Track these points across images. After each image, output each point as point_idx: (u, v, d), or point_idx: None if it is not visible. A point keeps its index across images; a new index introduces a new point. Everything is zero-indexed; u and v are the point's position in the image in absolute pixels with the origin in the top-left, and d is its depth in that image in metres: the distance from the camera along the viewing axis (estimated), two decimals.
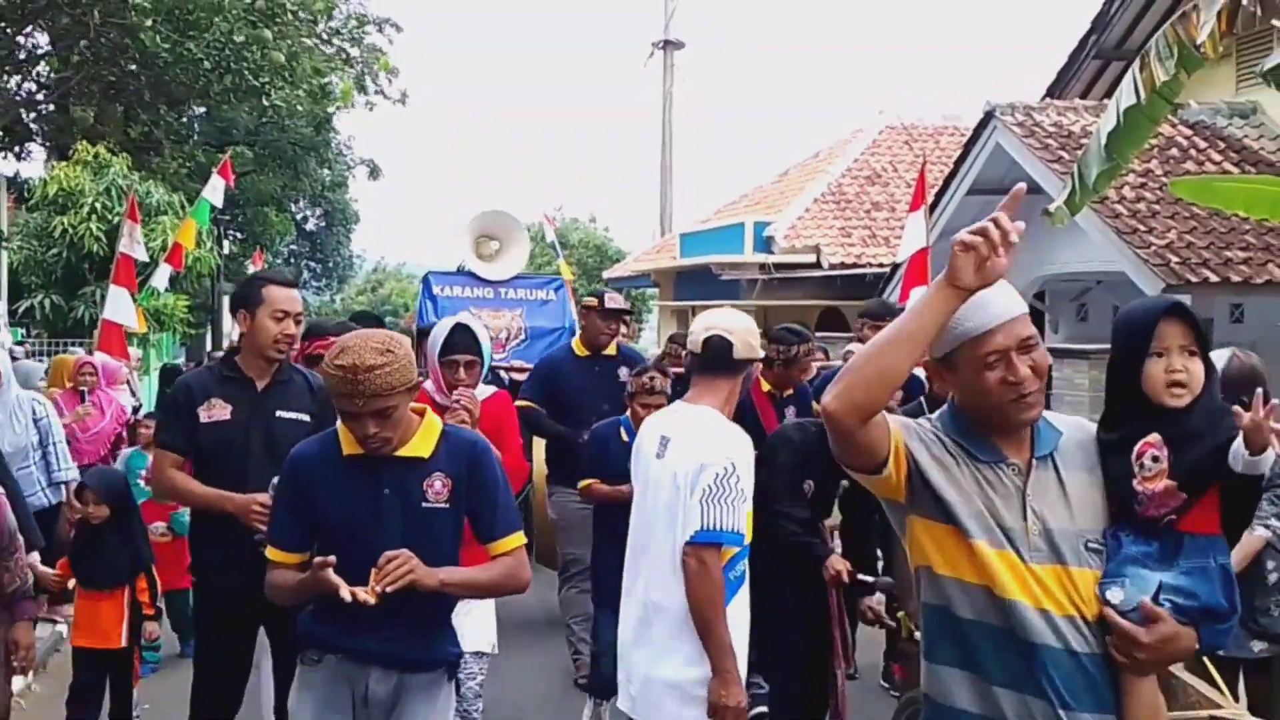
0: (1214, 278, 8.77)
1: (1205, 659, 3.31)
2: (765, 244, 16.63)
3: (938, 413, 2.17)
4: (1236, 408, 1.96)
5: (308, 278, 35.09)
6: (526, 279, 8.39)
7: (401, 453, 2.77)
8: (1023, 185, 2.03)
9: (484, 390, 4.24)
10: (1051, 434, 2.10)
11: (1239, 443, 1.93)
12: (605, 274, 24.61)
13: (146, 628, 4.84)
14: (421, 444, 2.80)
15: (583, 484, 5.09)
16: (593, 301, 5.98)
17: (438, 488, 2.79)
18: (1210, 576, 2.00)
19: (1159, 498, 1.99)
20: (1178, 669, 3.34)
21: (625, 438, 4.91)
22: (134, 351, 11.13)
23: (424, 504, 2.77)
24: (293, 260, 33.97)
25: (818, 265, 16.08)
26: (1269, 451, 1.92)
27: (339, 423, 2.84)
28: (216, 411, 3.72)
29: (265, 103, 17.73)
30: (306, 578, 2.71)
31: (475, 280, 8.16)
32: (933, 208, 12.38)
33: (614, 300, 6.02)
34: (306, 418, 3.75)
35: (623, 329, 6.65)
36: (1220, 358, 3.58)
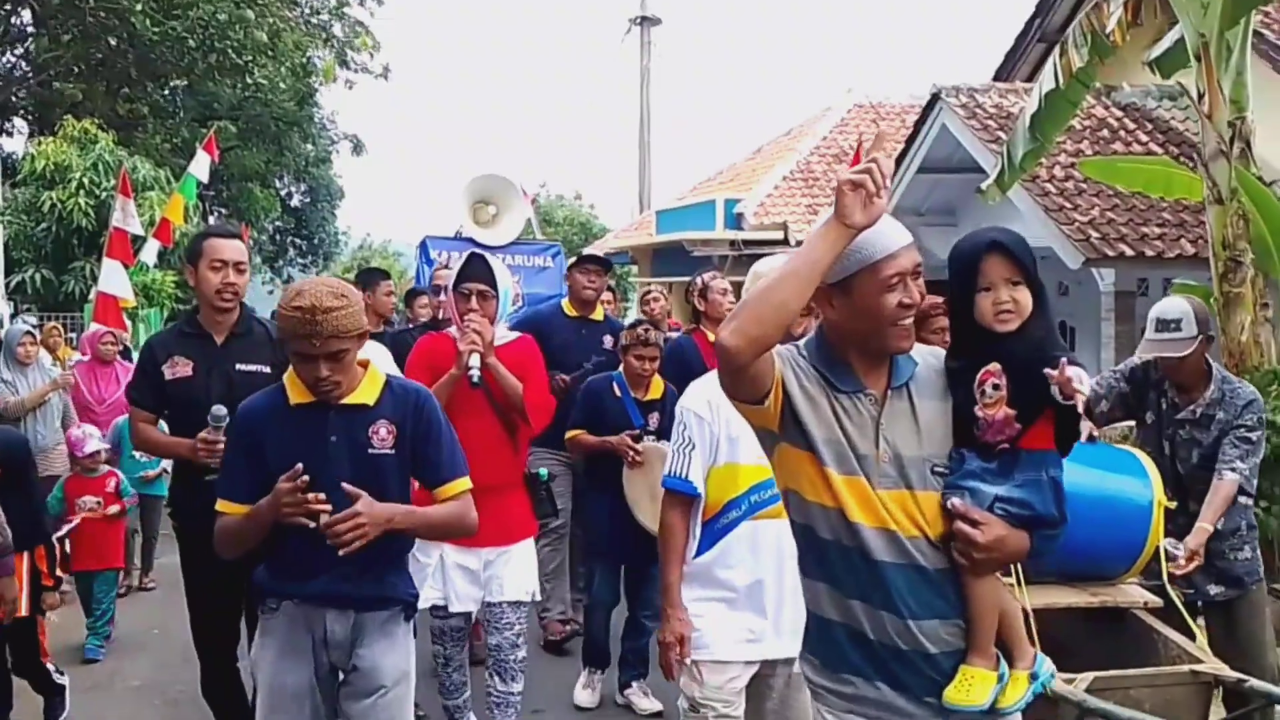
0: (1130, 252, 9.40)
1: (1181, 606, 3.59)
2: (736, 221, 17.16)
3: (803, 341, 2.28)
4: (1047, 371, 2.09)
5: (293, 255, 35.23)
6: (524, 245, 8.41)
7: (347, 400, 2.86)
8: (883, 130, 2.24)
9: (507, 334, 4.24)
10: (908, 365, 2.23)
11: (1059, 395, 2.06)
12: (585, 250, 25.03)
13: (46, 599, 4.72)
14: (366, 392, 2.89)
15: (570, 434, 5.16)
16: (572, 260, 6.21)
17: (383, 434, 2.87)
18: (1042, 488, 2.15)
19: (998, 424, 2.14)
20: (1156, 622, 3.62)
21: (618, 392, 5.07)
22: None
23: (370, 450, 2.85)
24: (278, 236, 34.21)
25: (785, 242, 16.64)
26: (1079, 399, 2.06)
27: (286, 374, 2.93)
28: (179, 368, 3.76)
29: (249, 80, 18.11)
30: (263, 503, 2.77)
31: (472, 245, 7.92)
32: None
33: (591, 251, 6.27)
34: (267, 369, 3.75)
35: (608, 296, 6.85)
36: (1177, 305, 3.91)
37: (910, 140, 12.21)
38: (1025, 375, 2.11)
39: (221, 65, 17.00)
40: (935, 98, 11.52)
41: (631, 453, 4.88)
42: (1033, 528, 2.16)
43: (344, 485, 2.75)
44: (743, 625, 3.12)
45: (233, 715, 3.98)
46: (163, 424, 3.95)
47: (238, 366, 3.76)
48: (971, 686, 2.13)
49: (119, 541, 6.29)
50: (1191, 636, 3.60)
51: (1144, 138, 10.90)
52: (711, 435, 3.07)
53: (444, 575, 4.08)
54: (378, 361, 3.06)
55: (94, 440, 6.17)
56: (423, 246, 8.27)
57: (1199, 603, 3.98)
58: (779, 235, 16.67)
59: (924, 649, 2.14)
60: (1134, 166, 8.18)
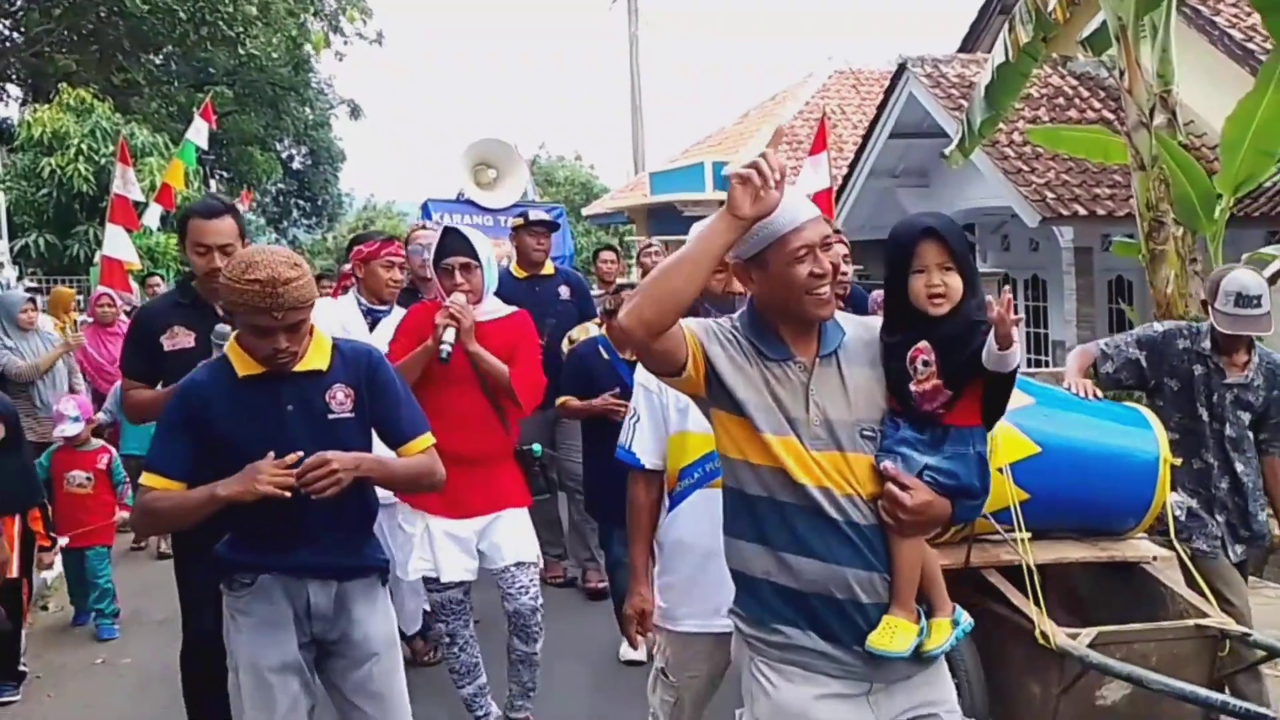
0: (1083, 211, 9.86)
1: (1191, 565, 3.64)
2: (724, 182, 17.53)
3: (737, 314, 2.35)
4: (989, 298, 2.21)
5: (297, 216, 35.59)
6: (523, 206, 8.22)
7: (299, 368, 2.75)
8: (782, 127, 2.65)
9: (500, 308, 4.07)
10: (836, 334, 2.31)
11: (990, 340, 2.14)
12: (584, 210, 25.42)
13: (42, 557, 4.65)
14: (317, 357, 2.78)
15: (560, 400, 5.13)
16: (518, 221, 6.08)
17: (340, 398, 2.78)
18: (969, 461, 2.26)
19: (929, 396, 2.24)
20: (1166, 578, 3.62)
21: (605, 355, 5.06)
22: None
23: (329, 415, 2.76)
24: (281, 199, 34.61)
25: None
26: (1014, 348, 2.15)
27: (228, 345, 2.82)
28: (180, 339, 3.57)
29: (241, 51, 18.36)
30: (227, 482, 2.63)
31: (474, 208, 8.13)
32: (860, 150, 13.46)
33: (536, 214, 6.20)
34: None
35: (611, 255, 7.14)
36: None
37: (881, 108, 12.60)
38: (954, 353, 2.21)
39: (213, 36, 17.28)
40: (902, 68, 11.93)
41: (619, 410, 4.80)
42: (956, 497, 2.26)
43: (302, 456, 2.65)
44: (708, 596, 3.00)
45: (207, 691, 3.76)
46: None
47: (217, 334, 3.50)
48: (894, 635, 2.23)
49: (109, 516, 5.88)
50: (1199, 590, 3.58)
51: (1097, 105, 11.33)
52: (660, 406, 3.05)
53: (431, 544, 3.93)
54: (322, 324, 2.96)
55: (70, 423, 5.71)
56: (425, 209, 8.21)
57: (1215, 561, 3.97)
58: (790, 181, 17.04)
59: (857, 598, 2.23)
60: (1076, 134, 8.63)
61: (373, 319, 4.53)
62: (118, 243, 10.98)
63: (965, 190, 11.69)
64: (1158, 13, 7.07)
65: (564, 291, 5.92)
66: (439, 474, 2.93)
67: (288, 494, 2.60)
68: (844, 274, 4.54)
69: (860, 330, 2.34)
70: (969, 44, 13.81)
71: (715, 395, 2.25)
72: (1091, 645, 3.19)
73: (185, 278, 3.86)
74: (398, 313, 4.42)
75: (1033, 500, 3.44)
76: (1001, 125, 10.17)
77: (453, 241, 3.89)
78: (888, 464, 2.22)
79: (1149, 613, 3.54)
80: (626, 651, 5.03)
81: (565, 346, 5.66)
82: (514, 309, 4.16)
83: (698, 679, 3.11)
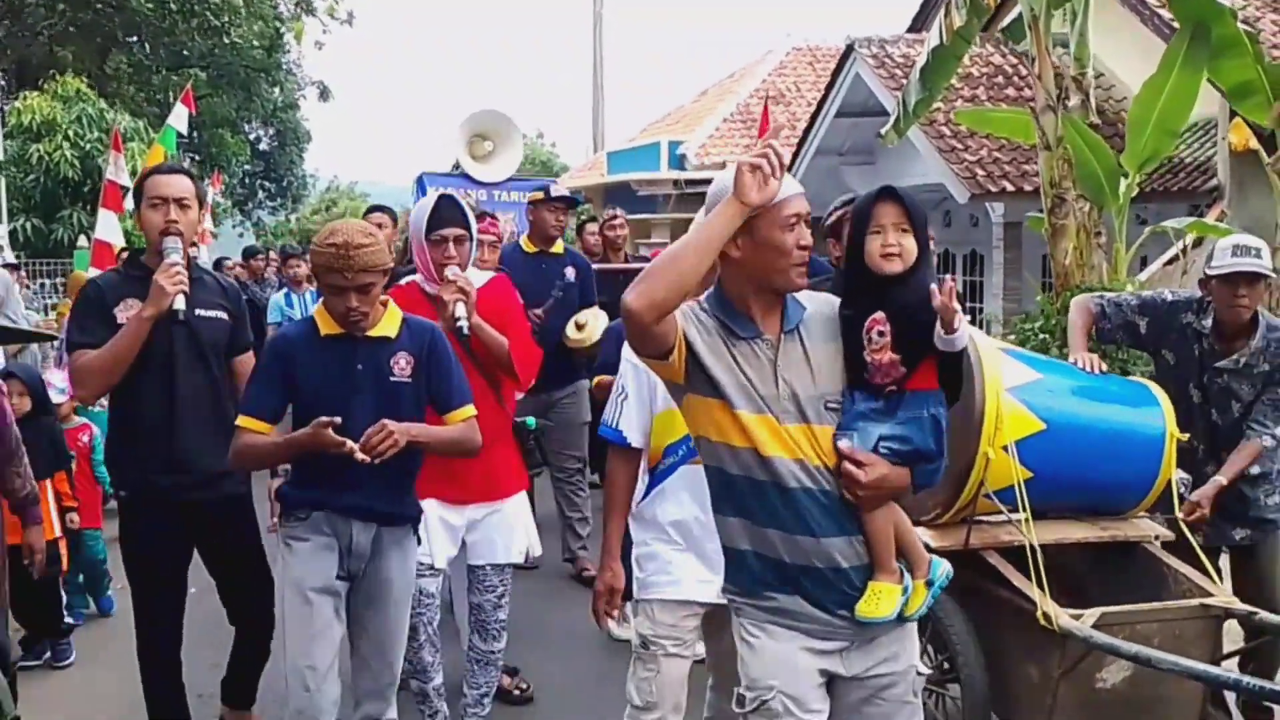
0: (1010, 188, 10.73)
1: (1197, 547, 3.51)
2: (679, 161, 18.20)
3: (704, 295, 2.42)
4: (932, 286, 2.26)
5: (263, 198, 35.79)
6: (520, 181, 8.29)
7: (372, 333, 3.13)
8: (783, 123, 2.56)
9: (481, 275, 3.98)
10: (798, 310, 2.39)
11: (937, 324, 2.24)
12: (551, 189, 25.74)
13: (71, 517, 4.83)
14: (388, 326, 3.17)
15: (596, 380, 4.92)
16: (538, 195, 6.03)
17: (402, 364, 3.16)
18: (923, 425, 2.33)
19: (884, 367, 2.31)
20: (1168, 556, 3.58)
21: None
22: None
23: (391, 378, 3.14)
24: (248, 180, 34.84)
25: None
26: (961, 330, 2.25)
27: (315, 308, 3.21)
28: (135, 310, 3.48)
29: (226, 40, 18.84)
30: (300, 436, 3.00)
31: (469, 182, 8.00)
32: (807, 129, 14.24)
33: (559, 189, 6.11)
34: (224, 316, 3.67)
35: (595, 227, 6.96)
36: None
37: (829, 88, 13.38)
38: (908, 322, 2.29)
39: (201, 27, 17.79)
40: (850, 49, 12.71)
41: None
42: (913, 463, 2.34)
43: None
44: (691, 567, 3.09)
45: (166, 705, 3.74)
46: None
47: (197, 312, 3.55)
48: (880, 600, 2.33)
49: (96, 496, 5.67)
50: (1204, 571, 3.51)
51: (1052, 76, 12.16)
52: (649, 383, 3.06)
53: (425, 527, 3.67)
54: None
55: (55, 393, 5.38)
56: (420, 183, 8.05)
57: (1222, 545, 3.94)
58: (719, 174, 17.65)
59: (836, 563, 2.32)
60: (1000, 115, 9.43)
61: None
62: (109, 227, 11.57)
63: (906, 168, 12.52)
64: (1078, 1, 7.88)
65: (569, 273, 5.87)
66: (476, 440, 3.28)
67: (357, 454, 2.93)
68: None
69: (821, 306, 2.44)
70: (919, 24, 14.56)
71: (693, 379, 2.33)
72: (1095, 626, 3.18)
73: (134, 251, 3.85)
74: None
75: (1036, 478, 3.43)
76: (940, 105, 10.96)
77: (450, 211, 3.72)
78: (843, 443, 2.30)
79: (1151, 593, 3.50)
80: (616, 629, 4.92)
81: (571, 332, 5.62)
82: (492, 273, 4.12)
83: (678, 652, 3.11)
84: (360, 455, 2.93)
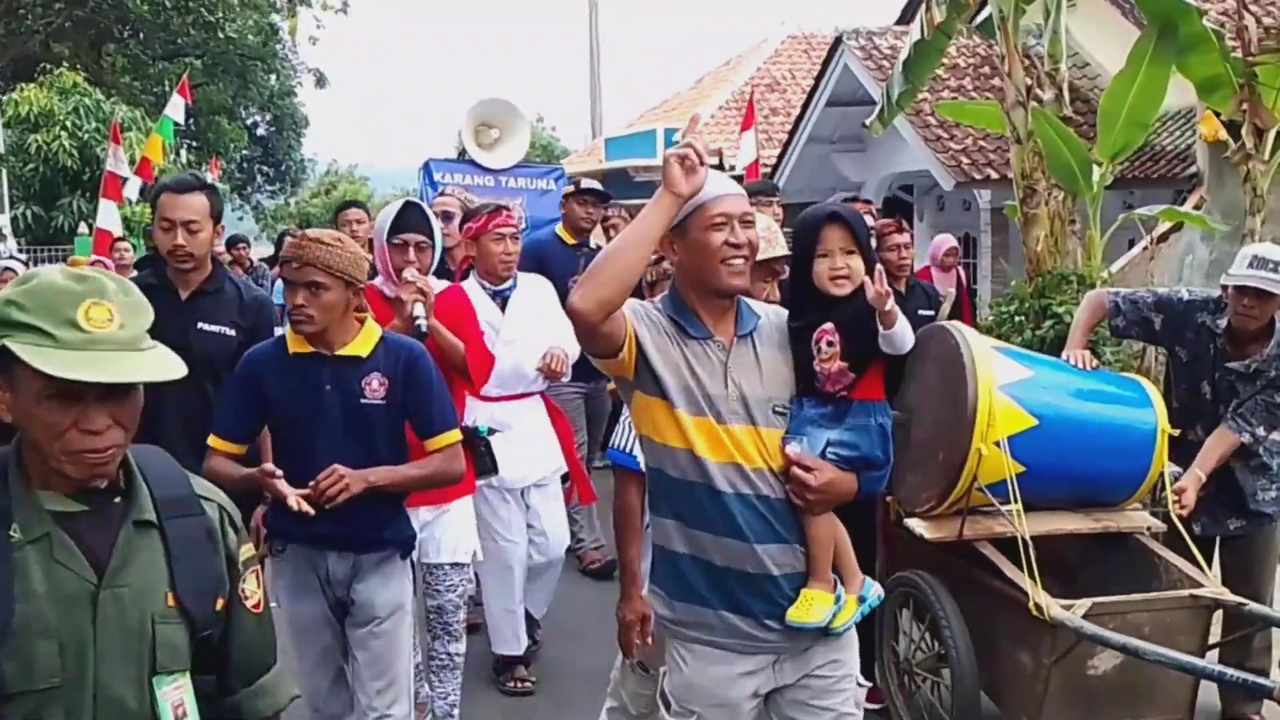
0: (995, 175, 10.91)
1: (1188, 537, 3.55)
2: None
3: (659, 297, 2.49)
4: (865, 279, 2.33)
5: (261, 182, 35.91)
6: (527, 168, 8.37)
7: (341, 352, 2.96)
8: (698, 115, 2.59)
9: (439, 284, 3.99)
10: (752, 317, 2.44)
11: (878, 324, 2.29)
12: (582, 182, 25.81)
13: None
14: (361, 345, 2.98)
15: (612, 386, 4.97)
16: (570, 188, 6.04)
17: (374, 385, 2.96)
18: (870, 433, 2.38)
19: (834, 376, 2.36)
20: (1159, 547, 3.64)
21: None
22: None
23: (362, 400, 2.94)
24: (245, 165, 34.99)
25: (720, 167, 17.92)
26: (897, 325, 2.31)
27: (286, 328, 3.03)
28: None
29: (221, 35, 19.06)
30: (251, 474, 2.89)
31: (476, 168, 8.05)
32: (799, 118, 14.42)
33: (589, 182, 6.18)
34: (232, 332, 3.51)
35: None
36: None
37: (819, 78, 13.55)
38: (855, 333, 2.34)
39: (196, 22, 17.99)
40: (839, 40, 12.88)
41: None
42: (860, 469, 2.38)
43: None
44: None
45: None
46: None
47: (199, 325, 3.46)
48: (811, 607, 2.34)
49: None
50: (1195, 562, 3.54)
51: (1021, 74, 12.30)
52: None
53: None
54: None
55: None
56: (426, 169, 8.14)
57: (1218, 535, 3.97)
58: (714, 162, 17.89)
59: (768, 571, 2.33)
60: (978, 108, 9.60)
61: (501, 299, 4.30)
62: (109, 216, 11.75)
63: (896, 156, 12.71)
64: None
65: None
66: (455, 471, 3.12)
67: (294, 506, 2.79)
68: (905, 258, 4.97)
69: (773, 316, 2.49)
70: (908, 15, 14.71)
71: (641, 377, 2.35)
72: (1085, 616, 3.20)
73: (152, 256, 3.70)
74: (524, 286, 4.37)
75: (1029, 473, 3.49)
76: (927, 95, 11.13)
77: (414, 218, 3.78)
78: (792, 447, 2.33)
79: (1142, 583, 3.55)
80: None
81: None
82: (448, 284, 4.19)
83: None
84: (303, 507, 2.78)
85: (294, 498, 2.78)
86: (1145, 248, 8.82)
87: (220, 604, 1.74)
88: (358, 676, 3.17)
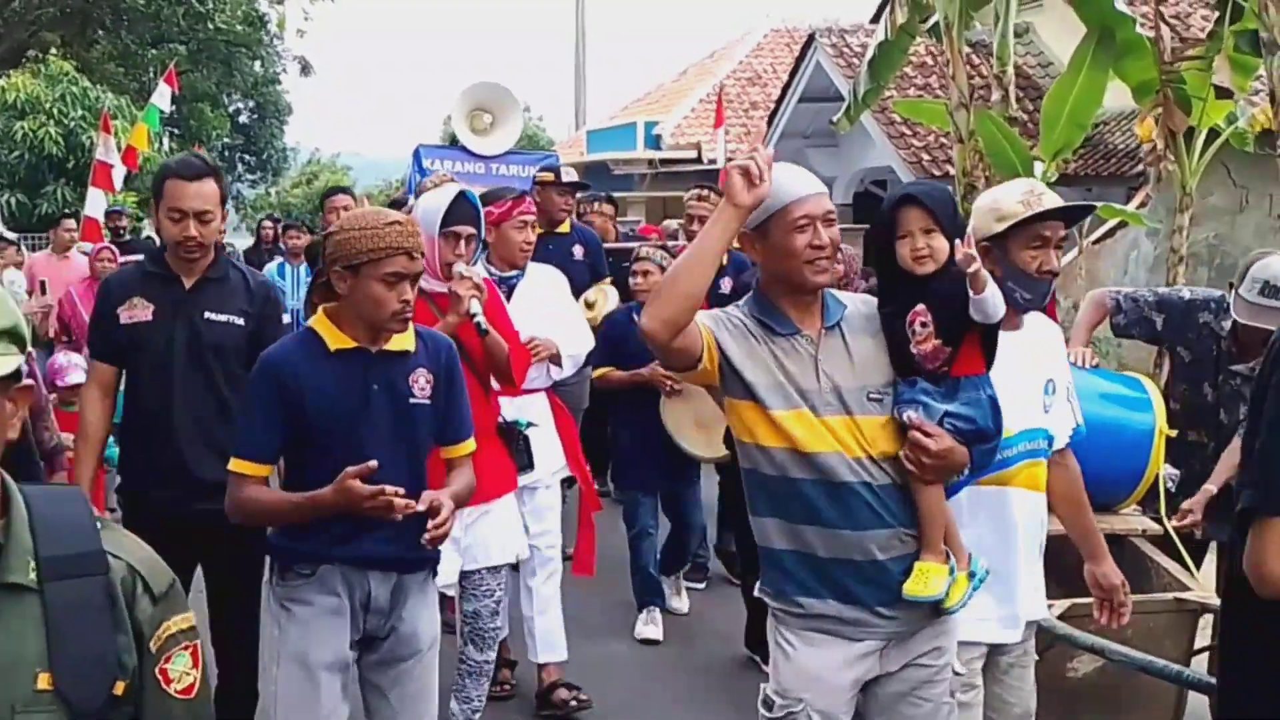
0: (954, 171, 11.22)
1: (1174, 535, 3.52)
2: (655, 141, 18.68)
3: (744, 299, 2.47)
4: (956, 242, 2.32)
5: (242, 171, 35.83)
6: (519, 154, 8.21)
7: (387, 346, 2.66)
8: (761, 127, 2.63)
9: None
10: (838, 307, 2.44)
11: (970, 291, 2.28)
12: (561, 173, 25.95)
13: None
14: (405, 338, 2.69)
15: (598, 372, 4.99)
16: (548, 176, 5.89)
17: (422, 383, 2.69)
18: (983, 406, 2.39)
19: (931, 354, 2.37)
20: (1152, 550, 3.57)
21: (637, 320, 4.95)
22: None
23: (411, 399, 2.67)
24: (227, 153, 34.94)
25: (699, 160, 18.21)
26: (988, 289, 2.29)
27: (315, 319, 2.69)
28: (137, 312, 3.27)
29: (210, 26, 19.27)
30: (325, 495, 2.49)
31: (467, 154, 7.87)
32: (773, 114, 14.77)
33: (569, 174, 6.00)
34: (240, 320, 3.32)
35: (609, 210, 7.20)
36: None
37: (792, 75, 13.92)
38: (947, 309, 2.34)
39: (187, 13, 18.18)
40: (811, 37, 13.24)
41: (669, 381, 4.70)
42: (973, 442, 2.39)
43: (418, 501, 2.53)
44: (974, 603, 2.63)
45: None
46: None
47: (205, 315, 3.28)
48: (928, 579, 2.33)
49: (100, 483, 5.58)
50: (1185, 565, 3.50)
51: (986, 72, 12.66)
52: None
53: None
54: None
55: (78, 371, 5.27)
56: (416, 155, 7.95)
57: (1215, 541, 3.92)
58: (693, 154, 18.21)
59: (874, 556, 2.33)
60: (930, 107, 10.01)
61: (507, 287, 4.13)
62: (96, 203, 11.92)
63: (866, 152, 13.09)
64: (999, 2, 8.44)
65: (578, 251, 5.77)
66: (475, 482, 2.88)
67: (396, 515, 2.50)
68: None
69: (860, 305, 2.50)
70: (882, 13, 15.06)
71: (728, 382, 2.37)
72: (1065, 616, 3.14)
73: (161, 247, 3.53)
74: (533, 276, 4.26)
75: None
76: (894, 92, 11.47)
77: (466, 210, 3.56)
78: (910, 413, 2.34)
79: (1133, 586, 3.37)
80: (642, 630, 4.94)
81: (581, 308, 5.42)
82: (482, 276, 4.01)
83: (968, 700, 2.61)
84: (414, 508, 2.51)
85: (401, 503, 2.49)
86: (1080, 250, 9.20)
87: (121, 688, 1.37)
88: None
